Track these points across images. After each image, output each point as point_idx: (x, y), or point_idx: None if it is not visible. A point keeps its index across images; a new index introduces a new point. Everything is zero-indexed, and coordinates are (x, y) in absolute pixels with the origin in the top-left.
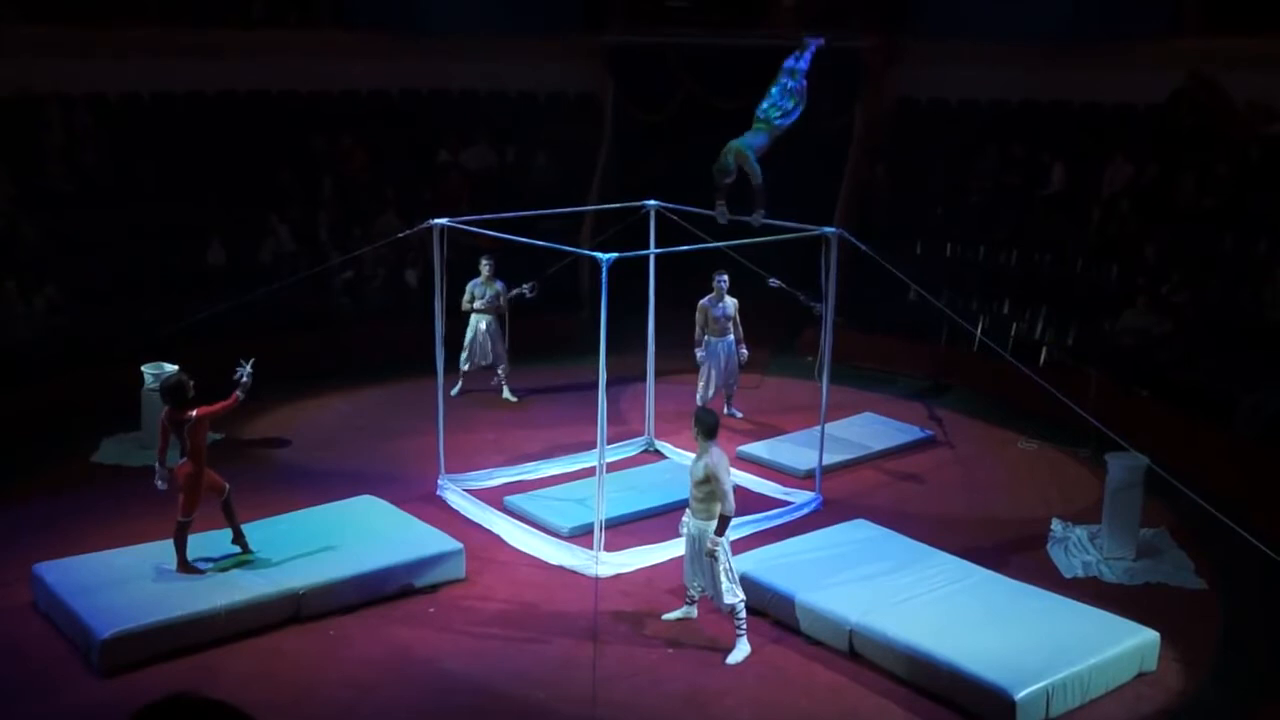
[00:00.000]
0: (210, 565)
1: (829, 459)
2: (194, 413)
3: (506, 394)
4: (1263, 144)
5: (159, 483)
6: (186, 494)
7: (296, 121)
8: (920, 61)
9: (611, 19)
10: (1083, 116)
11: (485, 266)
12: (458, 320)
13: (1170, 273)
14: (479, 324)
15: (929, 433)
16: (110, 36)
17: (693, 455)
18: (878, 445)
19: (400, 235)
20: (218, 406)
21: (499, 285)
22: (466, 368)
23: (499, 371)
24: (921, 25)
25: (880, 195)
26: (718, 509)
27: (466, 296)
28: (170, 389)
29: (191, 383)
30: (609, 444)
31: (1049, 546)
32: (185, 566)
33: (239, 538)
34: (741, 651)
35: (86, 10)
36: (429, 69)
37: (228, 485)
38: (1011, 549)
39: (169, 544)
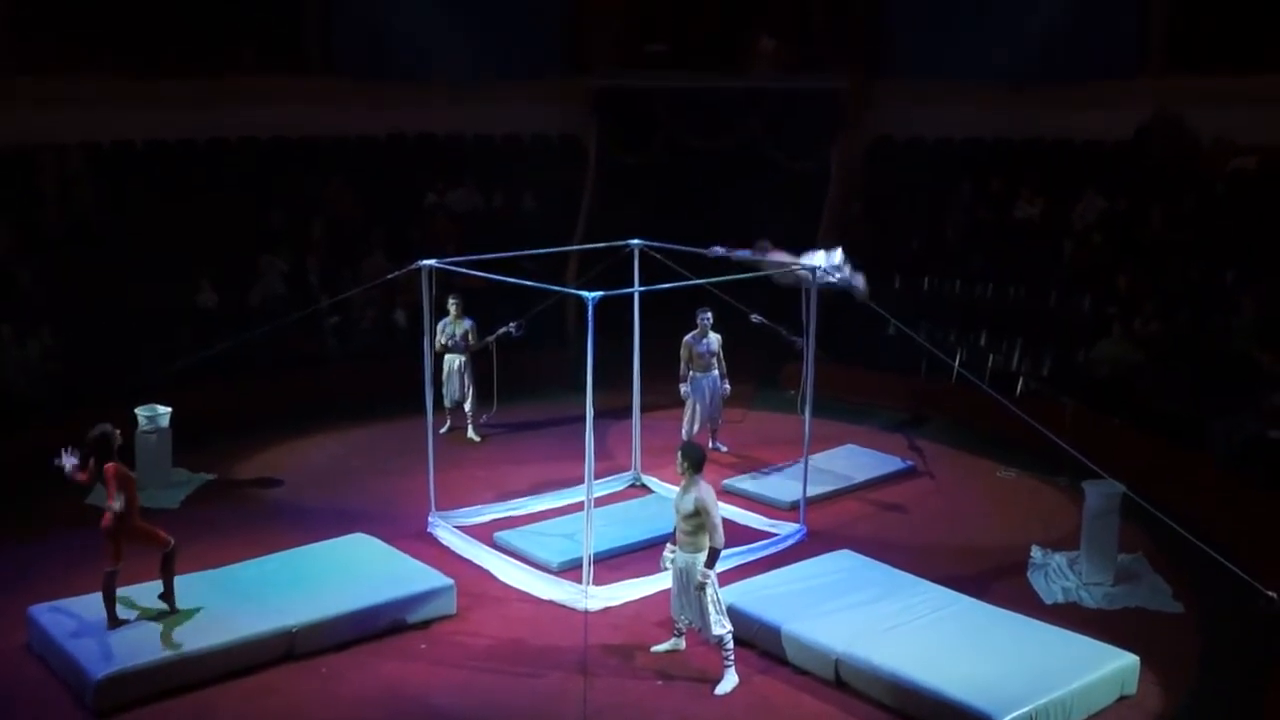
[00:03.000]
0: (135, 615)
1: (812, 490)
2: (106, 467)
3: (471, 433)
4: (1228, 178)
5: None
6: (109, 543)
7: (286, 166)
8: (895, 101)
9: (594, 63)
10: (1054, 153)
11: (453, 305)
12: (442, 360)
13: (1142, 303)
14: (452, 363)
15: (910, 463)
16: (103, 85)
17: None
18: (860, 476)
19: (389, 276)
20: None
21: (467, 323)
22: (448, 405)
23: (466, 410)
24: (896, 66)
25: (858, 232)
26: (705, 542)
27: (439, 336)
28: (95, 440)
29: (118, 434)
30: (596, 479)
31: (1029, 573)
32: (114, 620)
33: (168, 595)
34: (729, 682)
35: (79, 60)
36: (416, 114)
37: (172, 541)
38: (993, 576)
39: (158, 585)
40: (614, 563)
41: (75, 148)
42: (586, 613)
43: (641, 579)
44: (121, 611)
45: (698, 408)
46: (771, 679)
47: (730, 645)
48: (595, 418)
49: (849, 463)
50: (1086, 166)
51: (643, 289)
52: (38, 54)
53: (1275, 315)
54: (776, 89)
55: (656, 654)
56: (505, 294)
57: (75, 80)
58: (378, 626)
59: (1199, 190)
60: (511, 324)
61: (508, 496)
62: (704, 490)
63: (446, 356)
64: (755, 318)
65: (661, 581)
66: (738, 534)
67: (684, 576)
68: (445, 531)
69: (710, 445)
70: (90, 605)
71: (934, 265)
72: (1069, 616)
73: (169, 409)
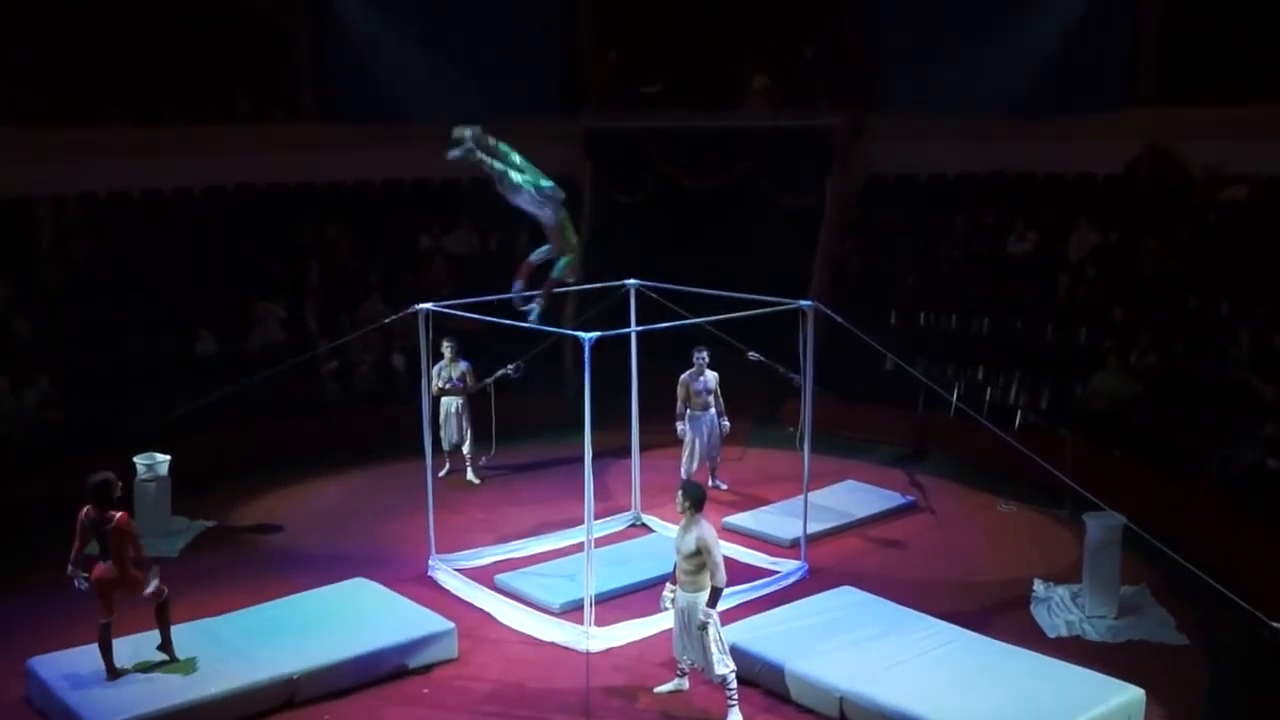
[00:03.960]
0: (131, 665)
1: (813, 527)
2: (116, 515)
3: (470, 475)
4: (1219, 208)
5: (77, 583)
6: (102, 596)
7: (283, 213)
8: (888, 137)
9: (588, 104)
10: (1046, 187)
11: (448, 349)
12: (439, 403)
13: (1137, 335)
14: (449, 406)
15: (910, 498)
16: (99, 136)
17: (678, 528)
18: (860, 512)
19: (386, 320)
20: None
21: (463, 366)
22: (446, 448)
23: (464, 452)
24: (889, 103)
25: (853, 268)
26: (706, 581)
27: (436, 380)
28: (95, 487)
29: (119, 484)
30: (596, 519)
31: (1032, 607)
32: (113, 671)
33: (166, 645)
34: None
35: (75, 111)
36: (411, 158)
37: (165, 590)
38: (995, 610)
39: (158, 635)
40: (615, 603)
41: (72, 198)
42: (588, 654)
43: (643, 619)
44: (121, 662)
45: (696, 446)
46: (776, 718)
47: (733, 685)
48: (594, 458)
49: (849, 499)
50: (1079, 199)
51: (639, 329)
52: (34, 104)
53: (1272, 344)
54: (770, 127)
55: (660, 695)
56: (502, 336)
57: (71, 131)
58: (379, 672)
59: (1191, 221)
60: (510, 366)
61: (508, 538)
62: (705, 529)
63: (443, 400)
64: (752, 355)
65: (663, 621)
66: (739, 572)
67: (685, 616)
68: (446, 575)
69: (709, 483)
70: (90, 656)
71: (930, 300)
72: (1073, 650)
73: (168, 457)
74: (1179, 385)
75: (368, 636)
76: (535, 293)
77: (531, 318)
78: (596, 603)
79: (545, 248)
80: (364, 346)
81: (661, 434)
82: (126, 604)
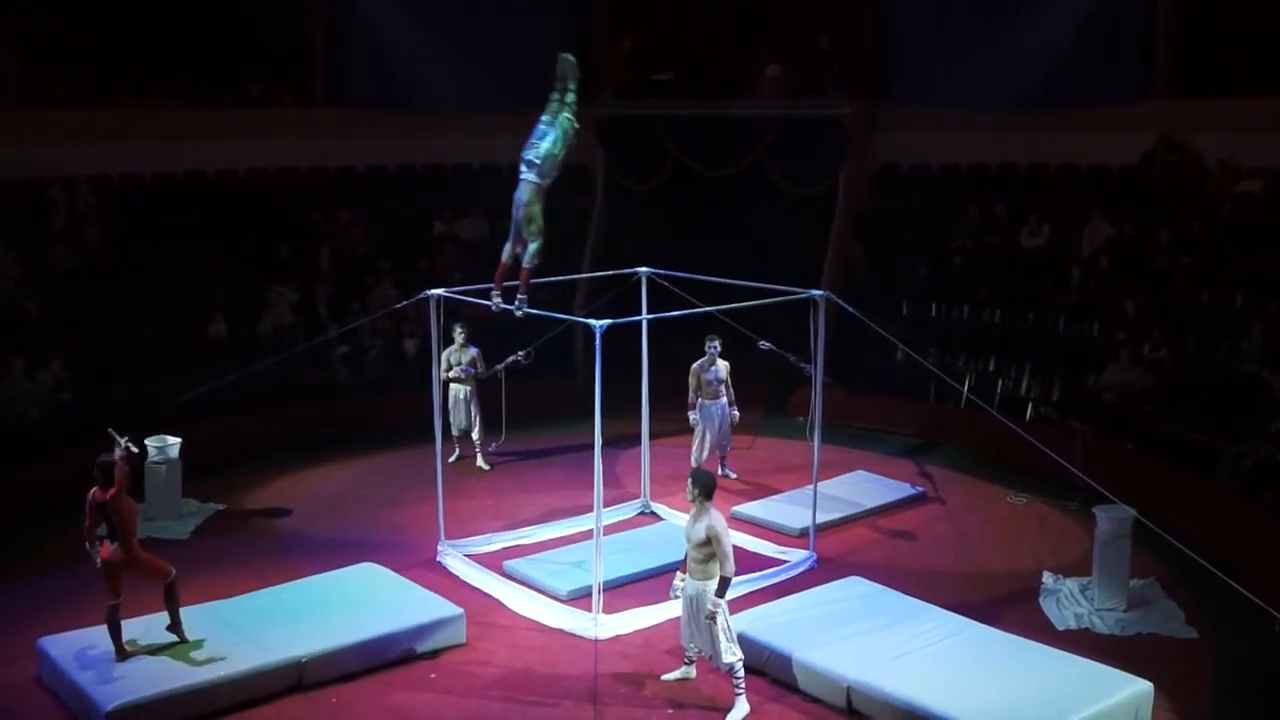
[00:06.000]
0: (141, 646)
1: (822, 517)
2: (112, 491)
3: (480, 462)
4: (1234, 201)
5: (95, 555)
6: (110, 578)
7: (295, 198)
8: (901, 128)
9: (600, 91)
10: (1060, 178)
11: (459, 334)
12: (448, 389)
13: (1150, 328)
14: (458, 392)
15: (920, 489)
16: (112, 119)
17: (687, 516)
18: (870, 503)
19: (397, 306)
20: (119, 480)
21: (473, 351)
22: (456, 434)
23: (474, 438)
24: (902, 92)
25: (866, 258)
26: (715, 569)
27: (444, 365)
28: (102, 468)
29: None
30: (606, 507)
31: (1041, 599)
32: (122, 652)
33: (175, 625)
34: (740, 710)
35: (89, 94)
36: (423, 144)
37: (173, 570)
38: (1004, 602)
39: (166, 616)
40: (624, 590)
41: (85, 181)
42: (596, 641)
43: (651, 607)
44: (130, 640)
45: (707, 434)
46: (783, 707)
47: (741, 673)
48: (604, 445)
49: (859, 489)
50: (1093, 192)
51: (650, 317)
52: (47, 88)
53: None
54: (783, 116)
55: (667, 682)
56: (513, 322)
57: (85, 114)
58: (387, 656)
59: (1205, 214)
60: (520, 353)
61: (517, 525)
62: (715, 518)
63: (452, 386)
64: (764, 344)
65: (671, 609)
66: (747, 561)
67: (694, 604)
68: (454, 560)
69: (719, 472)
70: (100, 637)
71: (941, 291)
72: (1081, 643)
73: (179, 440)
74: (1191, 379)
75: (376, 621)
76: (516, 294)
77: (519, 314)
78: (605, 590)
79: (508, 244)
80: (374, 332)
81: (672, 422)
82: (135, 586)
